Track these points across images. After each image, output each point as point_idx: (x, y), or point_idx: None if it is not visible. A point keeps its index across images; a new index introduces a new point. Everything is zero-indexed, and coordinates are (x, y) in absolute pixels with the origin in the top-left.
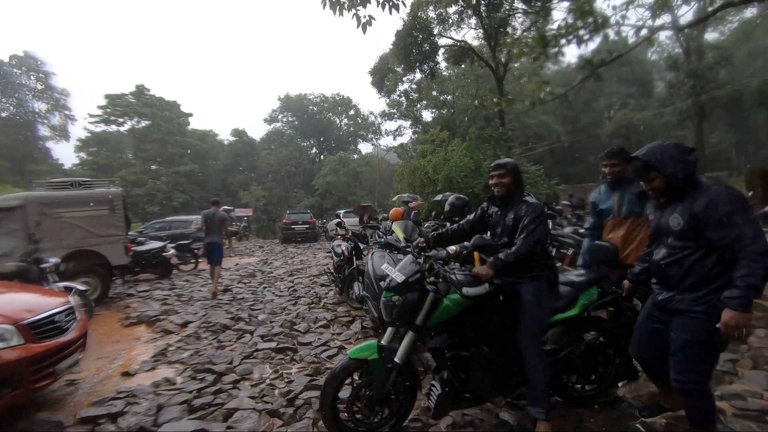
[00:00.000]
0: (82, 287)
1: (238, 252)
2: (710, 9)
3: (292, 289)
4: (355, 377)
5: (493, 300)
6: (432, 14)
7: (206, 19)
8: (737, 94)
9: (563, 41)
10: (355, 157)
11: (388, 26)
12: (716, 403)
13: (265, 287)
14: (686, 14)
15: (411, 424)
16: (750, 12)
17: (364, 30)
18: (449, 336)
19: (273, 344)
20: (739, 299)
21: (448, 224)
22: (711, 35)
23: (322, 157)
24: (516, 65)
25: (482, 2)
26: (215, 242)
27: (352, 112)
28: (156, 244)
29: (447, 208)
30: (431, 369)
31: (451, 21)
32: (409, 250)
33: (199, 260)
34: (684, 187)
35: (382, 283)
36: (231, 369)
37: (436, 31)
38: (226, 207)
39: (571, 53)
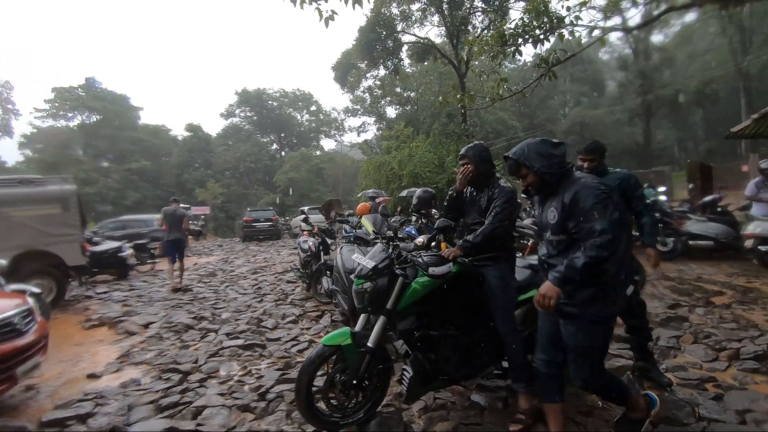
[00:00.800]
0: (36, 289)
1: (196, 251)
2: (656, 12)
3: (256, 286)
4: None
5: (458, 281)
6: (395, 11)
7: (155, 7)
8: (678, 94)
9: (520, 40)
10: (318, 153)
11: (351, 22)
12: (665, 375)
13: (227, 286)
14: (635, 17)
15: (384, 409)
16: (690, 17)
17: (327, 24)
18: (418, 318)
19: (239, 341)
20: (557, 274)
21: (413, 218)
22: (656, 38)
23: (283, 153)
24: (476, 63)
25: (444, 0)
26: (177, 239)
27: (313, 108)
28: (113, 244)
29: (414, 201)
30: (402, 355)
31: (414, 18)
32: (377, 240)
33: (156, 260)
34: (557, 181)
35: (352, 276)
36: (197, 368)
37: (399, 28)
38: (183, 205)
39: (527, 52)
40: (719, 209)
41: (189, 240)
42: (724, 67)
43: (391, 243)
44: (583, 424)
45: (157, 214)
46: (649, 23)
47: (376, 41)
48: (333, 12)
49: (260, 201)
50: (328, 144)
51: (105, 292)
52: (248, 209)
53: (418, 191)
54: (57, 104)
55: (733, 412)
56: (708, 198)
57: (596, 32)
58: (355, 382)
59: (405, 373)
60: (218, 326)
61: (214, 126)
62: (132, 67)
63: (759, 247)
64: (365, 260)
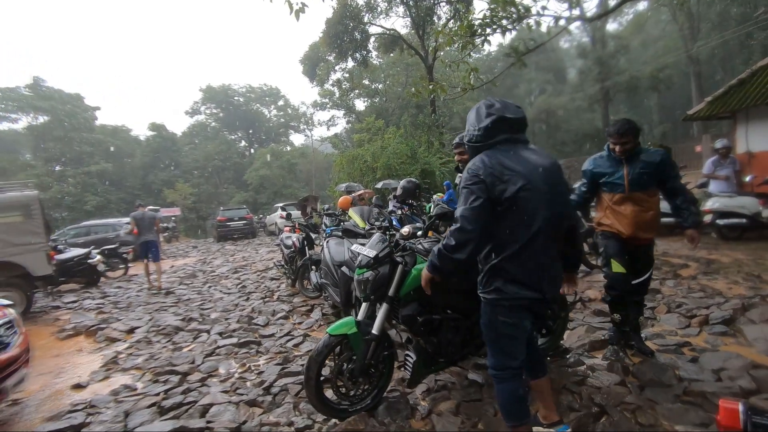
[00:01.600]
0: (5, 301)
1: (170, 254)
2: (614, 2)
3: (240, 285)
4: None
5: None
6: (361, 2)
7: (106, 1)
8: (634, 80)
9: (488, 30)
10: (288, 149)
11: (318, 14)
12: (646, 344)
13: (210, 286)
14: (591, 9)
15: (389, 395)
16: (642, 5)
17: (297, 17)
18: (419, 304)
19: (234, 340)
20: (429, 261)
21: (392, 208)
22: (612, 26)
23: (252, 150)
24: (441, 54)
25: None
26: (150, 240)
27: (281, 103)
28: (79, 251)
29: (399, 191)
30: (404, 342)
31: (379, 9)
32: (373, 231)
33: (130, 265)
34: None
35: (344, 268)
36: (195, 368)
37: (365, 19)
38: (151, 207)
39: (492, 42)
40: None
41: (162, 243)
42: (676, 54)
43: (387, 232)
44: (577, 392)
45: (124, 218)
46: (608, 13)
47: (344, 33)
48: (303, 4)
49: (232, 200)
50: (297, 139)
51: (74, 302)
52: (221, 209)
53: (402, 182)
54: (1, 106)
55: (709, 371)
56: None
57: (561, 22)
58: (362, 369)
59: (408, 358)
60: (209, 326)
61: (178, 124)
62: (86, 65)
63: (717, 222)
64: (366, 250)
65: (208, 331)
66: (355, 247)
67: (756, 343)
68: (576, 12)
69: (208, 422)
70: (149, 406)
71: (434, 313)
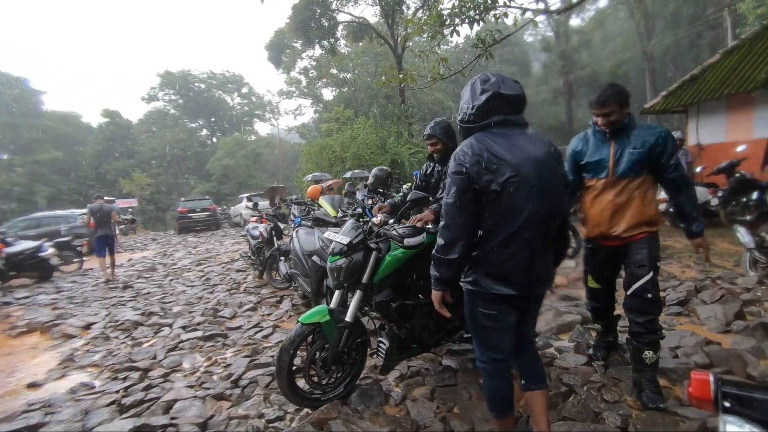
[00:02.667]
0: None
1: (128, 247)
2: None
3: (204, 278)
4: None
5: (429, 250)
6: None
7: None
8: (595, 75)
9: (457, 20)
10: (253, 138)
11: (280, 1)
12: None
13: (171, 279)
14: (555, 1)
15: (361, 382)
16: (603, 2)
17: (262, 0)
18: (393, 290)
19: (198, 333)
20: (432, 280)
21: (359, 197)
22: (575, 21)
23: (215, 139)
24: (410, 44)
25: None
26: (107, 234)
27: (245, 90)
28: (30, 244)
29: (371, 180)
30: (377, 329)
31: None
32: (346, 219)
33: (85, 258)
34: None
35: (315, 258)
36: (156, 363)
37: (333, 6)
38: (107, 198)
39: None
40: None
41: (118, 236)
42: (633, 50)
43: (361, 219)
44: (546, 374)
45: (78, 210)
46: (573, 7)
47: (311, 19)
48: None
49: (194, 190)
50: (263, 128)
51: (27, 297)
52: (182, 199)
53: (374, 170)
54: None
55: (666, 349)
56: None
57: (528, 14)
58: (335, 357)
59: (381, 345)
60: (171, 320)
61: (134, 111)
62: (27, 46)
63: (670, 210)
64: (339, 237)
65: (170, 325)
66: (328, 234)
67: (707, 322)
68: (542, 5)
69: (173, 418)
70: (108, 405)
71: (408, 299)
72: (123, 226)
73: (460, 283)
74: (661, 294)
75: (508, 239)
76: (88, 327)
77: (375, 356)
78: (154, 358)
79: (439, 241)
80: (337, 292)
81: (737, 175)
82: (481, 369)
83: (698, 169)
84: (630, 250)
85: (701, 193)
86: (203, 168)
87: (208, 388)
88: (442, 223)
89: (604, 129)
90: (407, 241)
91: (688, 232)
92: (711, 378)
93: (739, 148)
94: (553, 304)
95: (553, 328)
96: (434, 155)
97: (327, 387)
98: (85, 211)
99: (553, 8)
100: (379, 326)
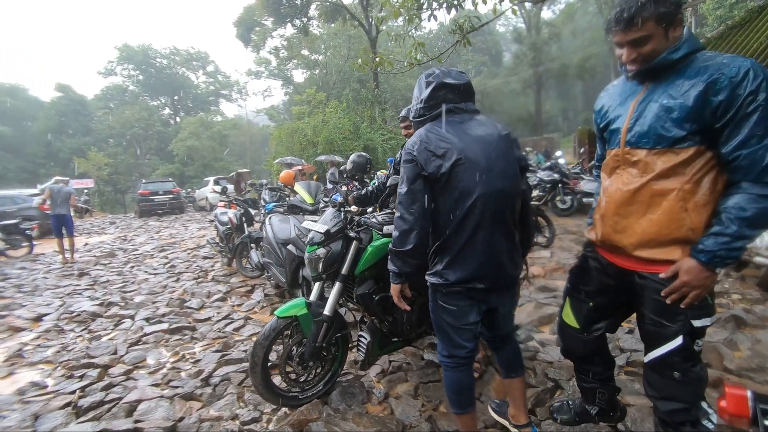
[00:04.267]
0: None
1: (83, 231)
2: None
3: (168, 265)
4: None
5: None
6: None
7: None
8: (564, 68)
9: (435, 5)
10: (219, 118)
11: None
12: None
13: (133, 266)
14: None
15: (341, 379)
16: None
17: None
18: (375, 282)
19: (163, 326)
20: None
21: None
22: (546, 13)
23: (178, 119)
24: (383, 27)
25: None
26: (63, 214)
27: (211, 69)
28: None
29: (349, 166)
30: (358, 322)
31: None
32: (326, 208)
33: (35, 243)
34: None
35: (290, 247)
36: (117, 360)
37: None
38: (59, 178)
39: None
40: None
41: (73, 218)
42: (600, 45)
43: (342, 209)
44: (530, 368)
45: (28, 190)
46: None
47: None
48: None
49: (156, 172)
50: (230, 109)
51: None
52: (143, 181)
53: (353, 156)
54: None
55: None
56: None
57: (506, 2)
58: (313, 352)
59: (362, 339)
60: (133, 311)
61: (89, 87)
62: None
63: None
64: (317, 226)
65: (132, 317)
66: (307, 224)
67: None
68: None
69: (137, 422)
70: (63, 407)
71: (390, 291)
72: (77, 213)
73: (426, 277)
74: None
75: (462, 224)
76: (39, 319)
77: (355, 351)
78: (115, 353)
79: (394, 233)
80: (316, 284)
81: None
82: (441, 363)
83: None
84: (645, 289)
85: None
86: (166, 148)
87: (176, 387)
88: (396, 214)
89: (633, 70)
90: (387, 229)
91: (693, 247)
92: (749, 395)
93: None
94: (532, 295)
95: (534, 321)
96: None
97: (305, 384)
98: (36, 191)
99: None
100: (359, 320)
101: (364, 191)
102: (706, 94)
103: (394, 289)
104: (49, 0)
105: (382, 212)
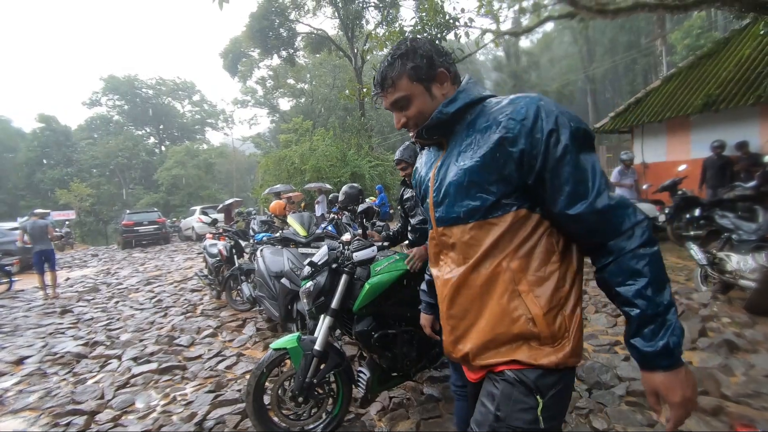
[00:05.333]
0: None
1: (64, 264)
2: (542, 17)
3: (155, 299)
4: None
5: (409, 277)
6: None
7: None
8: (543, 94)
9: (419, 37)
10: (205, 147)
11: (238, 6)
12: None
13: (117, 302)
14: (506, 22)
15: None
16: (549, 26)
17: (221, 5)
18: (374, 318)
19: (152, 365)
20: None
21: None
22: (524, 43)
23: (163, 147)
24: (369, 57)
25: None
26: (45, 249)
27: (197, 98)
28: None
29: (341, 197)
30: (357, 358)
31: (307, 8)
32: (320, 241)
33: (14, 279)
34: None
35: (284, 281)
36: (105, 405)
37: (292, 17)
38: (40, 210)
39: None
40: None
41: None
42: (576, 73)
43: (343, 244)
44: None
45: (8, 223)
46: (532, 29)
47: (269, 29)
48: None
49: (140, 201)
50: (216, 137)
51: None
52: (127, 211)
53: (345, 187)
54: None
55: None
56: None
57: (487, 34)
58: (302, 388)
59: (361, 375)
60: (120, 350)
61: (73, 117)
62: None
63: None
64: (310, 260)
65: (118, 357)
66: (308, 260)
67: None
68: (507, 24)
69: None
70: None
71: (390, 328)
72: (59, 241)
73: None
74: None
75: None
76: (20, 361)
77: (355, 387)
78: (102, 397)
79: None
80: (320, 320)
81: (679, 192)
82: (453, 393)
83: (644, 186)
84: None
85: (650, 209)
86: (150, 178)
87: None
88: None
89: (413, 135)
90: (356, 255)
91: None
92: None
93: (681, 168)
94: None
95: None
96: (406, 179)
97: (304, 425)
98: (16, 225)
99: (504, 29)
100: (358, 355)
101: (392, 232)
102: (501, 147)
103: (426, 318)
104: (34, 31)
105: (356, 240)
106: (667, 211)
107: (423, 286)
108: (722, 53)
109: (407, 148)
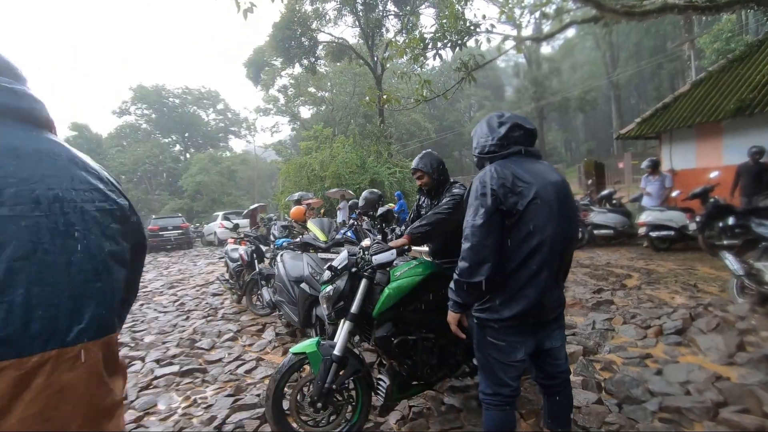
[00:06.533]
0: None
1: None
2: (563, 24)
3: (177, 302)
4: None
5: (430, 283)
6: (309, 9)
7: None
8: (565, 101)
9: (439, 44)
10: (228, 154)
11: (261, 19)
12: (608, 355)
13: (142, 304)
14: (527, 28)
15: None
16: (570, 32)
17: (245, 16)
18: (394, 324)
19: (174, 368)
20: (450, 303)
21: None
22: (545, 49)
23: (188, 155)
24: (388, 65)
25: (358, 1)
26: None
27: (221, 107)
28: None
29: (361, 203)
30: (377, 365)
31: (328, 17)
32: (340, 246)
33: None
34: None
35: (303, 285)
36: (128, 405)
37: (314, 26)
38: None
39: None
40: (614, 201)
41: None
42: (599, 78)
43: (363, 249)
44: None
45: None
46: (552, 35)
47: (291, 38)
48: (252, 4)
49: (165, 207)
50: (238, 145)
51: None
52: (153, 217)
53: (365, 193)
54: None
55: (676, 384)
56: (605, 192)
57: (509, 40)
58: (321, 393)
59: (381, 383)
60: (143, 352)
61: (104, 125)
62: None
63: (650, 234)
64: (329, 264)
65: (142, 359)
66: (327, 265)
67: (709, 353)
68: (527, 31)
69: None
70: None
71: (410, 334)
72: None
73: (473, 313)
74: (657, 322)
75: (527, 261)
76: None
77: (374, 395)
78: (126, 398)
79: (463, 264)
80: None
81: (711, 200)
82: (482, 401)
83: (674, 194)
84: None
85: (679, 217)
86: (175, 184)
87: None
88: (467, 245)
89: None
90: (375, 258)
91: None
92: None
93: (713, 174)
94: None
95: None
96: (422, 188)
97: (325, 431)
98: None
99: (525, 36)
100: (378, 362)
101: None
102: None
103: (453, 317)
104: (67, 41)
105: (375, 243)
106: (698, 220)
107: (451, 284)
108: (756, 56)
109: (423, 157)
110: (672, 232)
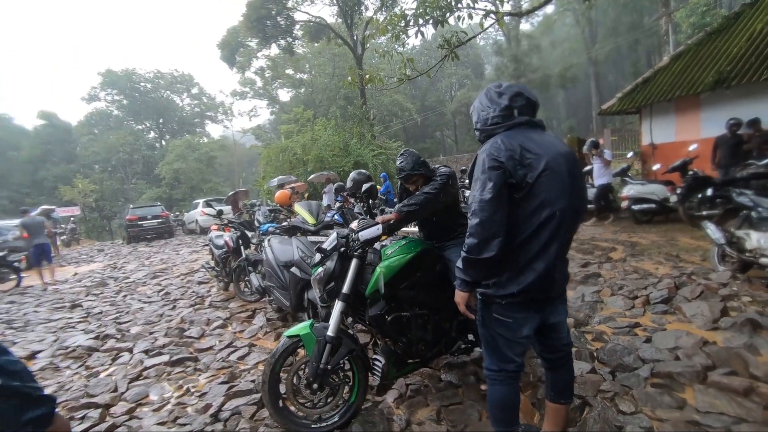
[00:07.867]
0: None
1: (71, 260)
2: (527, 4)
3: (162, 292)
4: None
5: (422, 261)
6: None
7: None
8: (545, 78)
9: (421, 21)
10: (206, 140)
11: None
12: (598, 326)
13: (126, 295)
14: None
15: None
16: (549, 8)
17: None
18: (386, 302)
19: (164, 358)
20: (458, 281)
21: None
22: (524, 26)
23: (163, 142)
24: (368, 45)
25: None
26: (42, 243)
27: (195, 91)
28: None
29: (349, 184)
30: (372, 345)
31: None
32: (329, 229)
33: (23, 275)
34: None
35: (294, 269)
36: (119, 397)
37: (290, 4)
38: (45, 207)
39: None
40: (629, 176)
41: (60, 247)
42: (579, 55)
43: (353, 231)
44: None
45: (12, 221)
46: (535, 10)
47: (267, 18)
48: None
49: (143, 196)
50: (215, 130)
51: None
52: (130, 206)
53: (352, 174)
54: None
55: (665, 350)
56: (587, 168)
57: (490, 16)
58: (316, 374)
59: (376, 362)
60: (131, 343)
61: (73, 113)
62: None
63: (632, 207)
64: (319, 246)
65: (130, 350)
66: (317, 247)
67: (694, 320)
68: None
69: None
70: None
71: (403, 311)
72: (64, 236)
73: (479, 289)
74: (644, 292)
75: (536, 234)
76: (32, 356)
77: (370, 375)
78: (115, 390)
79: (471, 240)
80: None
81: (690, 173)
82: (487, 377)
83: (655, 167)
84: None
85: (660, 190)
86: (152, 172)
87: (184, 425)
88: (475, 221)
89: None
90: (361, 234)
91: None
92: None
93: (691, 147)
94: None
95: None
96: (409, 188)
97: (321, 414)
98: (16, 223)
99: (505, 11)
100: (372, 343)
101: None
102: None
103: (461, 296)
104: (31, 28)
105: (361, 220)
106: (678, 192)
107: (459, 263)
108: (733, 29)
109: (408, 157)
110: (653, 205)
